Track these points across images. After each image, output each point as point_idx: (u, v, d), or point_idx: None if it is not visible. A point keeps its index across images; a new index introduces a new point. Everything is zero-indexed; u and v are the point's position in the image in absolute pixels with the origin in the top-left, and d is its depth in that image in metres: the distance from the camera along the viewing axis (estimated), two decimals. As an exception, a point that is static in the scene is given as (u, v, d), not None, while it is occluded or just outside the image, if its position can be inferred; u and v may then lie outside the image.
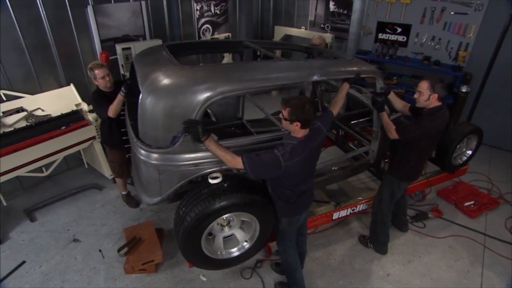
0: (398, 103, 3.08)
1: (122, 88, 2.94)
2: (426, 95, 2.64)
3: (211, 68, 2.36)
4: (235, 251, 2.61)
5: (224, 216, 2.39)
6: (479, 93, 5.16)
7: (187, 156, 2.28)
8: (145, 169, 2.38)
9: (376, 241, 3.39)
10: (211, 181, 2.31)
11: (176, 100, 2.10)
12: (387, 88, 2.96)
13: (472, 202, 4.04)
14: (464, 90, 4.97)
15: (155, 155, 2.26)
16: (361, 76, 2.76)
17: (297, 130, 2.11)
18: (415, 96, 2.74)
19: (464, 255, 3.42)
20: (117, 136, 3.31)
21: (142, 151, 2.30)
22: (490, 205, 4.04)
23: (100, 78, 3.08)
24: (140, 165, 2.42)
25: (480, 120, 5.22)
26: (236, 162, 2.10)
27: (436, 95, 2.62)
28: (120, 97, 2.99)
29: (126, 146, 3.31)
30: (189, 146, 2.24)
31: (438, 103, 2.68)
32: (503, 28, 4.61)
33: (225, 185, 2.32)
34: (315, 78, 2.46)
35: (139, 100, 2.15)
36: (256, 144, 2.48)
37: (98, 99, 3.16)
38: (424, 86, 2.65)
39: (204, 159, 2.31)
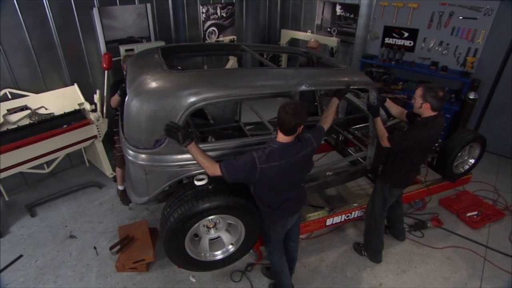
0: (395, 110, 3.02)
1: (118, 91, 3.06)
2: (419, 103, 2.57)
3: (196, 74, 2.38)
4: (219, 254, 2.61)
5: (209, 218, 2.40)
6: (487, 100, 5.01)
7: (173, 157, 2.30)
8: (132, 169, 2.42)
9: (370, 249, 3.32)
10: (197, 183, 2.32)
11: (160, 104, 2.12)
12: (382, 96, 2.91)
13: (475, 213, 3.91)
14: (471, 97, 4.85)
15: (142, 156, 2.29)
16: (353, 87, 2.70)
17: (278, 132, 2.10)
18: (412, 101, 2.68)
19: (463, 267, 3.31)
20: (116, 122, 3.48)
21: (130, 151, 2.33)
22: (494, 216, 3.90)
23: None
24: (128, 164, 2.46)
25: (488, 128, 5.09)
26: (214, 169, 2.07)
27: (427, 105, 2.53)
28: (117, 97, 3.14)
29: None
30: (175, 147, 2.26)
31: (431, 113, 2.57)
32: (513, 33, 4.47)
33: (210, 187, 2.32)
34: (303, 87, 2.43)
35: (125, 102, 2.19)
36: (250, 146, 2.47)
37: (113, 87, 3.47)
38: (418, 93, 2.58)
39: (190, 160, 2.32)
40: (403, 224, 3.57)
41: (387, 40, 5.66)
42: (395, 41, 5.58)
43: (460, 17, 4.84)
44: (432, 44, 5.24)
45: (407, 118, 2.93)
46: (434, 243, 3.58)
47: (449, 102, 5.01)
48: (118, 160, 3.72)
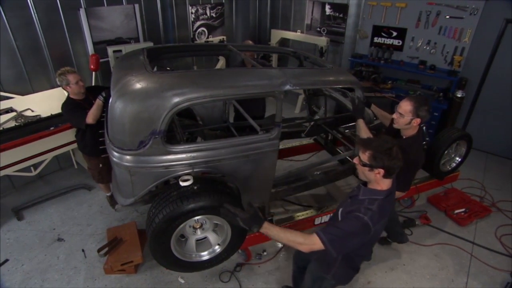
0: (380, 113, 3.03)
1: (102, 93, 2.93)
2: (408, 119, 2.38)
3: (180, 75, 2.36)
4: (205, 255, 2.60)
5: (195, 219, 2.39)
6: (475, 98, 5.07)
7: (158, 158, 2.28)
8: (118, 171, 2.40)
9: (396, 234, 3.34)
10: (182, 184, 2.31)
11: (143, 105, 2.11)
12: (367, 100, 2.89)
13: (462, 210, 3.96)
14: (459, 95, 4.91)
15: (126, 157, 2.28)
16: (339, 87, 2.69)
17: (378, 180, 1.75)
18: (394, 116, 2.46)
19: (450, 264, 3.35)
20: (91, 144, 3.29)
21: (115, 153, 2.32)
22: (481, 213, 3.95)
23: (73, 83, 3.01)
24: (113, 166, 2.45)
25: (476, 125, 5.16)
26: (311, 243, 1.70)
27: (418, 120, 2.37)
28: (99, 102, 2.94)
29: (103, 155, 3.27)
30: (160, 148, 2.25)
31: (415, 130, 2.45)
32: (498, 32, 4.53)
33: (195, 187, 2.31)
34: (288, 87, 2.43)
35: (109, 104, 2.18)
36: (238, 146, 2.47)
37: (72, 109, 3.06)
38: (406, 108, 2.36)
39: (175, 161, 2.31)
40: (400, 226, 3.47)
41: (376, 40, 5.70)
42: (384, 41, 5.62)
43: (447, 17, 4.89)
44: (420, 43, 5.29)
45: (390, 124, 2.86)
46: (422, 240, 3.61)
47: (437, 101, 5.06)
48: (96, 178, 3.60)
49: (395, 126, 2.52)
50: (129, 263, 3.08)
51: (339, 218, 1.87)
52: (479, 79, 4.92)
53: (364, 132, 2.54)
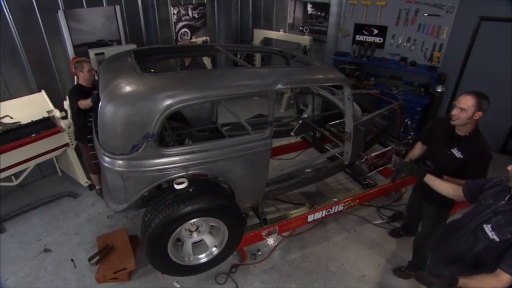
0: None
1: (92, 97, 3.08)
2: (470, 113, 2.26)
3: (171, 76, 2.33)
4: (203, 257, 2.58)
5: (191, 222, 2.36)
6: (454, 93, 5.25)
7: (151, 162, 2.24)
8: (109, 176, 2.34)
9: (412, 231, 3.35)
10: (177, 187, 2.28)
11: (135, 108, 2.07)
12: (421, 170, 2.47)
13: (447, 201, 4.08)
14: (439, 90, 5.06)
15: (118, 162, 2.22)
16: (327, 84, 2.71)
17: None
18: (454, 112, 2.34)
19: (439, 254, 3.45)
20: (88, 130, 3.42)
21: (106, 158, 2.25)
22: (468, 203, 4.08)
23: (87, 71, 3.40)
24: (105, 172, 2.38)
25: (455, 119, 5.33)
26: (501, 283, 1.64)
27: (480, 113, 2.27)
28: (88, 103, 3.18)
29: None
30: (153, 151, 2.20)
31: (474, 125, 2.37)
32: (473, 29, 4.71)
33: (190, 190, 2.29)
34: (279, 86, 2.44)
35: (99, 108, 2.11)
36: (232, 147, 2.45)
37: (76, 92, 3.39)
38: (469, 102, 2.26)
39: (169, 164, 2.28)
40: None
41: (358, 38, 5.80)
42: (366, 38, 5.73)
43: (425, 14, 5.05)
44: (400, 41, 5.43)
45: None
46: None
47: (418, 96, 5.22)
48: (91, 168, 3.79)
49: (454, 122, 2.39)
50: (122, 271, 3.01)
51: (492, 236, 1.75)
52: (457, 74, 5.10)
53: (439, 183, 2.28)
